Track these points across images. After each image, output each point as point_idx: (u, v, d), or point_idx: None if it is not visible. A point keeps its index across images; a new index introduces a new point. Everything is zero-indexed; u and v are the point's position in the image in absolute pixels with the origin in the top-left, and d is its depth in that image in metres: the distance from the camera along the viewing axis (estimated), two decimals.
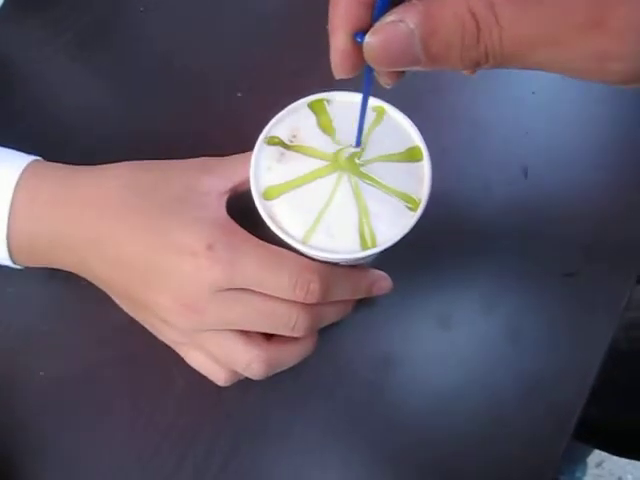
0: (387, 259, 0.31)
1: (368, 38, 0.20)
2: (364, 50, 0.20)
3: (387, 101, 0.30)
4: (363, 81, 0.25)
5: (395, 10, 0.19)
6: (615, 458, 0.74)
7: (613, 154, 0.41)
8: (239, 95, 0.42)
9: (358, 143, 0.29)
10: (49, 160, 0.34)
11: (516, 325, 0.36)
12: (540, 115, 0.42)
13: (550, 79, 0.41)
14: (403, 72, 0.24)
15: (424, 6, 0.19)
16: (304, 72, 0.41)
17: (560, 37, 0.18)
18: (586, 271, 0.37)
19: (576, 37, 0.17)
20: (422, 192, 0.28)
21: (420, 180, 0.29)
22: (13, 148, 0.34)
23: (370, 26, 0.20)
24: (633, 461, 0.69)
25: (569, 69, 0.19)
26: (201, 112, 0.41)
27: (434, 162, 0.29)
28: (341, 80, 0.25)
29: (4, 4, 0.45)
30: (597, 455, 0.95)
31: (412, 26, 0.19)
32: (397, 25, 0.19)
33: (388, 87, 0.25)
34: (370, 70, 0.23)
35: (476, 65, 0.19)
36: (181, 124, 0.41)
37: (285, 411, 0.35)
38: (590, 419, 0.38)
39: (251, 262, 0.29)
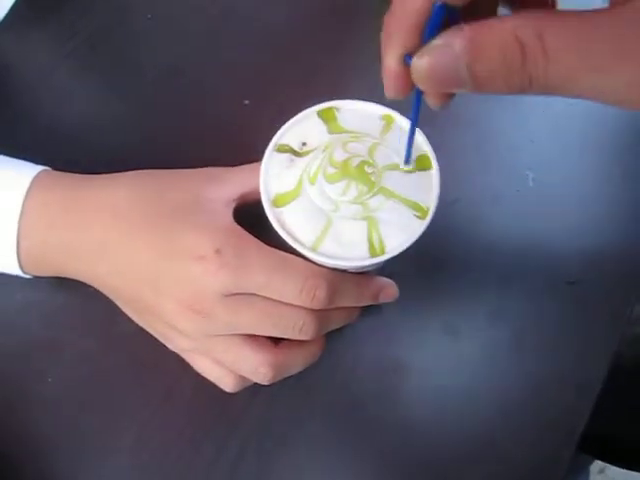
0: (394, 266, 0.31)
1: (415, 60, 0.20)
2: (412, 71, 0.21)
3: (394, 109, 0.31)
4: (413, 101, 0.25)
5: (443, 34, 0.19)
6: None
7: (618, 163, 0.41)
8: (246, 103, 0.42)
9: (407, 160, 0.29)
10: (55, 168, 0.35)
11: (521, 333, 0.36)
12: (545, 123, 0.42)
13: None
14: (452, 94, 0.24)
15: (471, 31, 0.19)
16: (310, 80, 0.42)
17: (606, 67, 0.18)
18: (589, 279, 0.37)
19: (621, 66, 0.17)
20: (430, 200, 0.28)
21: (428, 188, 0.29)
22: (18, 156, 0.34)
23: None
24: None
25: (612, 99, 0.19)
26: (207, 120, 0.42)
27: (440, 170, 0.29)
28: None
29: (9, 12, 0.45)
30: (600, 462, 0.95)
31: (458, 51, 0.19)
32: (443, 49, 0.19)
33: (437, 109, 0.25)
34: (419, 91, 0.24)
35: (521, 91, 0.19)
36: (187, 132, 0.41)
37: (292, 418, 0.35)
38: (594, 433, 0.38)
39: (258, 267, 0.29)
